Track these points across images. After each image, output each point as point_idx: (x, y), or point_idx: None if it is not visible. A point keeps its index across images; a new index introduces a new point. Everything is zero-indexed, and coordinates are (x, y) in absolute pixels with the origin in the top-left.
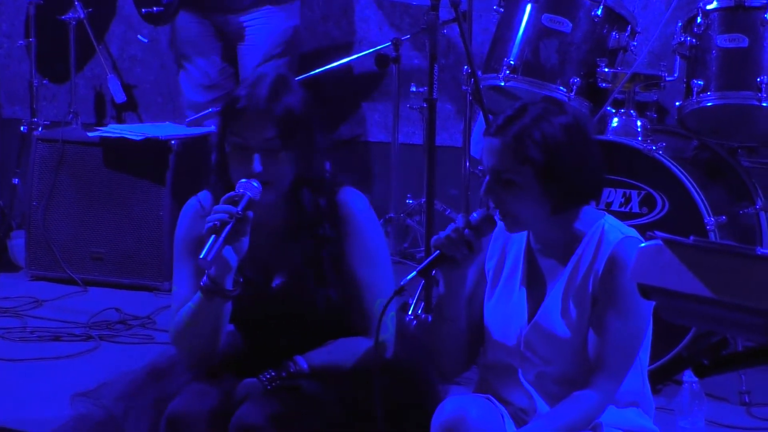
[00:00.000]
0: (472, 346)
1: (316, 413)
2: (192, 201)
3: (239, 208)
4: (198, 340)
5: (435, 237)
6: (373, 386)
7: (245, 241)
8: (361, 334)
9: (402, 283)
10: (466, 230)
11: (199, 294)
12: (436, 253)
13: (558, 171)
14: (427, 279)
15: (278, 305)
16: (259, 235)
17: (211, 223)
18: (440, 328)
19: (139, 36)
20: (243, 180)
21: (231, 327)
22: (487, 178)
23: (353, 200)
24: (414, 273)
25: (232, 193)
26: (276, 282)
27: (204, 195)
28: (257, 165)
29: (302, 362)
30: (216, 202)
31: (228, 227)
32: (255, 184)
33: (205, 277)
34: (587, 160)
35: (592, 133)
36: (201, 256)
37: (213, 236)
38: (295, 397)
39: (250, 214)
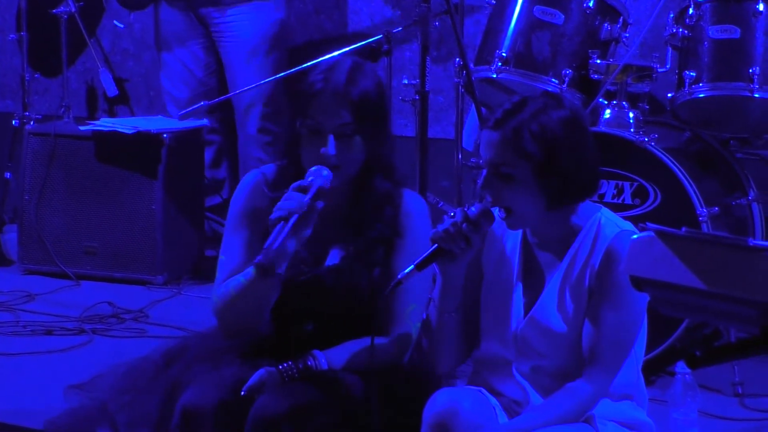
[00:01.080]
0: (468, 339)
1: (335, 406)
2: (255, 172)
3: (308, 198)
4: (242, 315)
5: (433, 231)
6: (382, 384)
7: (308, 231)
8: (384, 333)
9: (399, 276)
10: (464, 224)
11: (251, 269)
12: (434, 247)
13: (556, 166)
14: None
15: (323, 287)
16: (325, 215)
17: (280, 212)
18: (437, 320)
19: (114, 21)
20: (313, 168)
21: None
22: (485, 171)
23: (414, 203)
24: (411, 266)
25: (301, 181)
26: (329, 263)
27: (268, 168)
28: (331, 148)
29: (321, 358)
30: (282, 181)
31: (295, 218)
32: (325, 173)
33: (261, 255)
34: (585, 155)
35: (589, 128)
36: (266, 246)
37: (280, 224)
38: (315, 390)
39: (319, 204)
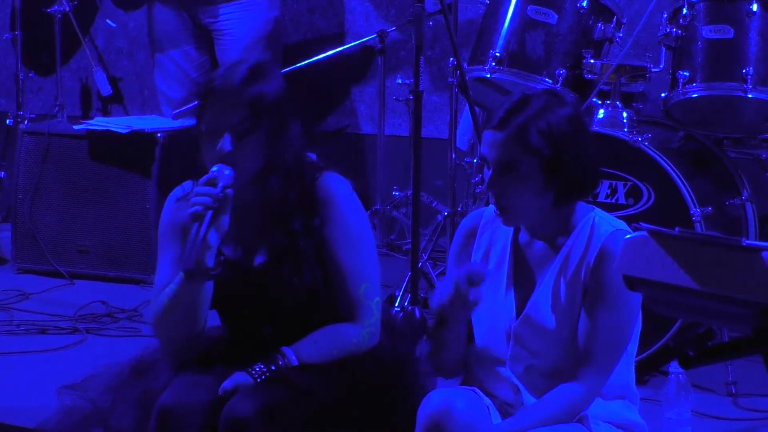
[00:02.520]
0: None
1: (306, 405)
2: (176, 190)
3: (219, 190)
4: (178, 324)
5: (433, 302)
6: (360, 377)
7: (225, 219)
8: (346, 320)
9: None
10: (469, 298)
11: (179, 276)
12: (437, 319)
13: (562, 162)
14: (414, 272)
15: (260, 286)
16: (240, 213)
17: (194, 208)
18: (441, 350)
19: (108, 21)
20: (215, 167)
21: (216, 322)
22: (490, 172)
23: (334, 185)
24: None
25: (208, 175)
26: (258, 261)
27: (188, 185)
28: (227, 144)
29: (291, 355)
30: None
31: (210, 213)
32: (227, 172)
33: (187, 262)
34: (588, 151)
35: (588, 125)
36: (188, 249)
37: (196, 225)
38: (285, 389)
39: (230, 191)
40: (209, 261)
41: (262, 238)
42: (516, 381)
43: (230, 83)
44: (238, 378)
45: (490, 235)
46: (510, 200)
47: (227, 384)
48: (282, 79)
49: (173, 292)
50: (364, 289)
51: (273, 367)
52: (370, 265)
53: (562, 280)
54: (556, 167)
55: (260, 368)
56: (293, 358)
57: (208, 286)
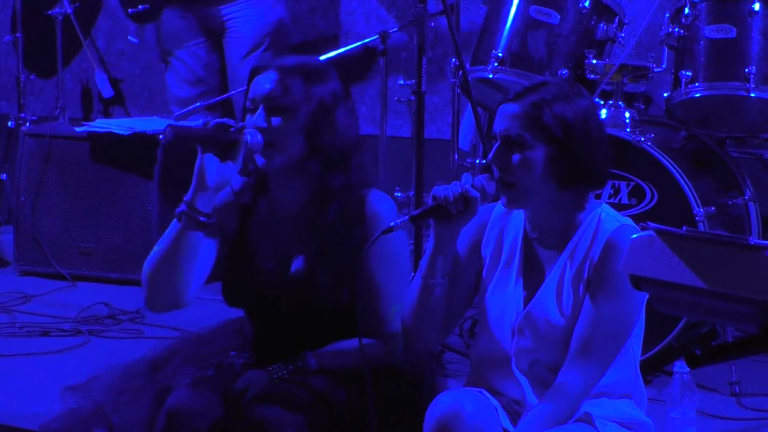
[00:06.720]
0: (447, 321)
1: (322, 409)
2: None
3: (237, 126)
4: (164, 270)
5: (435, 188)
6: (376, 386)
7: (231, 167)
8: (371, 335)
9: (392, 224)
10: (469, 188)
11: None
12: (432, 204)
13: (570, 148)
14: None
15: (292, 294)
16: (281, 217)
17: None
18: (422, 287)
19: (129, 37)
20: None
21: (241, 314)
22: (497, 143)
23: (382, 204)
24: (406, 218)
25: (240, 124)
26: (293, 268)
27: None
28: (259, 118)
29: (311, 361)
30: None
31: (211, 123)
32: (259, 137)
33: (182, 204)
34: (599, 145)
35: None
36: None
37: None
38: (302, 393)
39: (247, 138)
40: (201, 204)
41: (300, 246)
42: (521, 377)
43: (274, 61)
44: (252, 377)
45: (499, 230)
46: (513, 176)
47: (240, 383)
48: (336, 83)
49: (163, 237)
50: (395, 310)
51: (291, 368)
52: (404, 286)
53: (567, 275)
54: (563, 151)
55: (278, 368)
56: (313, 362)
57: (197, 240)
